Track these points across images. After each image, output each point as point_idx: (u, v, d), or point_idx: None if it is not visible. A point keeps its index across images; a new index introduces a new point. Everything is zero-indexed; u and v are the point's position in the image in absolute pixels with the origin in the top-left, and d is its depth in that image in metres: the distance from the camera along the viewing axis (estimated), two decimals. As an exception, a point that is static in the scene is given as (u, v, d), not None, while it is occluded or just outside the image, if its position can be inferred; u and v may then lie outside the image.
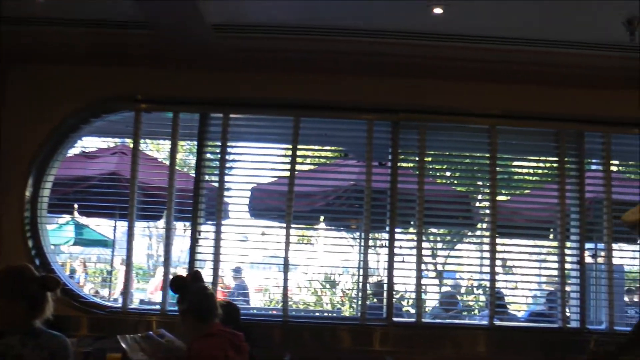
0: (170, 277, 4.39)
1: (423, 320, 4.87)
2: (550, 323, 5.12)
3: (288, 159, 4.96)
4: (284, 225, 4.86)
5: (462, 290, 5.55)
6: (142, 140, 5.33)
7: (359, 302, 4.82)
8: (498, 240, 5.14)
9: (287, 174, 4.93)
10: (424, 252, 5.06)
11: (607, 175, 5.10)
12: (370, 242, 5.07)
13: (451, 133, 5.11)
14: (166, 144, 5.61)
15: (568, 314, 4.99)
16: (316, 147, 5.71)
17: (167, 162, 5.09)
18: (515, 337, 4.90)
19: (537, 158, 5.38)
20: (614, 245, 5.12)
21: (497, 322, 4.90)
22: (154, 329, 4.02)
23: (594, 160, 5.31)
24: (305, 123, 5.00)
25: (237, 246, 5.08)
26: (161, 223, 5.15)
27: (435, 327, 4.98)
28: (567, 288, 5.04)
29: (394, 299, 5.20)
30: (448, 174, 5.63)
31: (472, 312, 5.24)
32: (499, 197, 5.29)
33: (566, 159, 5.06)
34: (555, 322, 5.04)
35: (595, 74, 4.84)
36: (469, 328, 5.02)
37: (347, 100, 4.90)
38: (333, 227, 5.86)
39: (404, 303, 5.88)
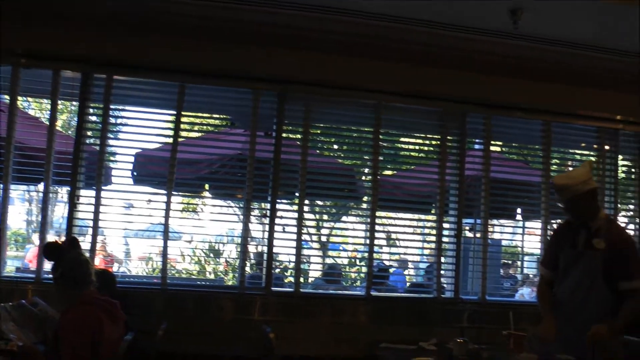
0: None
1: (302, 290, 5.13)
2: (427, 293, 5.52)
3: (173, 125, 5.02)
4: (168, 192, 4.92)
5: (346, 262, 5.84)
6: (22, 99, 5.21)
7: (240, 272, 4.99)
8: (382, 214, 5.48)
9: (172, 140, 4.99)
10: (308, 223, 5.29)
11: (487, 154, 5.52)
12: (258, 212, 5.26)
13: (337, 107, 5.32)
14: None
15: (444, 285, 5.39)
16: (204, 115, 5.78)
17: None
18: (392, 306, 5.23)
19: (424, 135, 5.69)
20: (495, 221, 5.54)
21: (375, 293, 5.24)
22: (29, 298, 4.02)
23: (477, 140, 5.72)
24: (191, 90, 5.07)
25: (120, 212, 5.07)
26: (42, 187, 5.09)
27: (313, 296, 5.24)
28: (444, 260, 5.44)
29: (276, 270, 5.42)
30: (336, 147, 5.85)
31: (354, 284, 5.54)
32: (385, 172, 5.62)
33: (448, 138, 5.44)
34: (431, 292, 5.45)
35: (482, 58, 5.22)
36: (347, 298, 5.31)
37: (234, 69, 5.00)
38: (218, 196, 5.97)
39: (287, 274, 6.13)
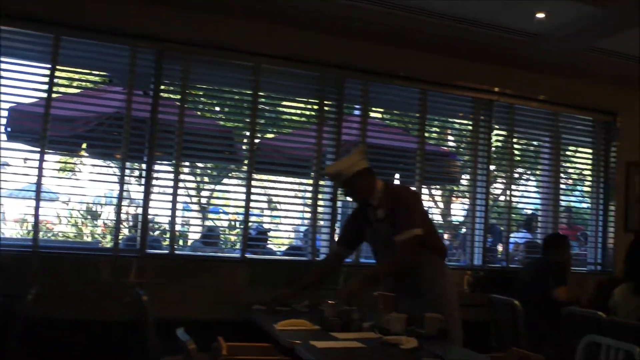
0: None
1: (177, 252, 5.18)
2: (303, 256, 5.69)
3: (47, 80, 4.89)
4: (42, 150, 4.80)
5: (226, 224, 5.92)
6: None
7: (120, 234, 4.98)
8: (263, 177, 5.59)
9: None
10: (188, 185, 5.35)
11: (364, 120, 5.71)
12: (137, 174, 5.25)
13: (216, 68, 5.34)
14: None
15: (319, 248, 5.56)
16: (82, 71, 5.69)
17: None
18: (269, 269, 5.38)
19: (305, 100, 5.78)
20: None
21: (250, 255, 5.36)
22: None
23: (357, 107, 5.90)
24: (67, 43, 4.94)
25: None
26: None
27: (188, 259, 5.29)
28: (323, 224, 5.63)
29: (156, 232, 5.45)
30: (217, 109, 5.89)
31: (234, 247, 5.63)
32: (265, 135, 5.72)
33: (326, 103, 5.59)
34: (306, 255, 5.63)
35: (361, 26, 5.36)
36: (223, 260, 5.39)
37: (111, 24, 4.93)
38: (96, 156, 5.89)
39: (166, 236, 6.12)
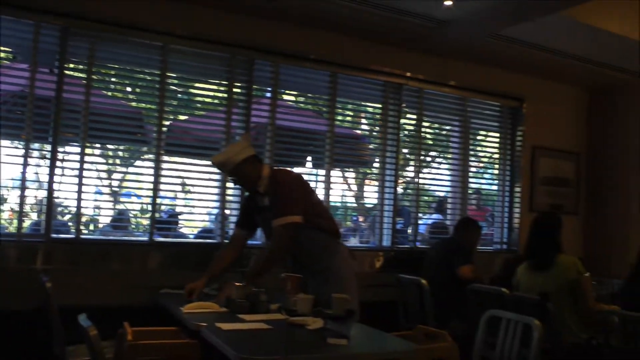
0: None
1: (82, 237, 5.06)
2: (212, 239, 5.67)
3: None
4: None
5: (138, 208, 5.82)
6: None
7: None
8: (177, 160, 5.53)
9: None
10: (99, 168, 5.23)
11: (274, 102, 5.72)
12: (42, 155, 5.08)
13: (124, 46, 5.20)
14: None
15: (229, 231, 5.52)
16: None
17: None
18: (178, 252, 5.31)
19: (216, 82, 5.72)
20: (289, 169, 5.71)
21: (159, 239, 5.31)
22: None
23: (268, 89, 5.88)
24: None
25: None
26: None
27: (95, 243, 5.18)
28: (234, 206, 5.62)
29: (65, 216, 5.30)
30: (129, 89, 5.76)
31: (144, 230, 5.54)
32: (175, 117, 5.64)
33: (236, 84, 5.56)
34: (215, 237, 5.62)
35: (271, 7, 5.34)
36: (130, 244, 5.28)
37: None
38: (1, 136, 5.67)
39: (75, 220, 5.97)
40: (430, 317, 5.29)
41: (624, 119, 7.57)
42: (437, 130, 7.37)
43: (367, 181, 7.81)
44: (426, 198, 7.18)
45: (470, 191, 7.28)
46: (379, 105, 6.48)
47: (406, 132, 6.71)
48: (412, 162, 6.78)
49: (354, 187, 8.57)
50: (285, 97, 6.37)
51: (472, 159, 7.29)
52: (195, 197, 5.85)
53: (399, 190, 6.71)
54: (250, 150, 4.33)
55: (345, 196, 7.46)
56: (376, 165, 6.53)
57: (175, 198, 6.20)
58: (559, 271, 4.79)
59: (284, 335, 3.44)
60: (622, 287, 4.88)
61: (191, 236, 5.96)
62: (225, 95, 5.60)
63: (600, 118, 7.88)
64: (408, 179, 6.78)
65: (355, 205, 7.62)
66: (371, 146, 6.59)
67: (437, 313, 5.35)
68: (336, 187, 7.04)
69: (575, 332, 4.72)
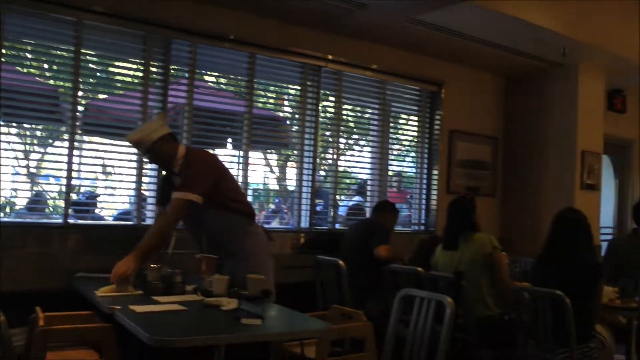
0: None
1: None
2: (129, 221, 5.60)
3: None
4: None
5: (56, 189, 5.66)
6: None
7: None
8: (95, 140, 5.41)
9: None
10: (17, 148, 5.06)
11: (191, 83, 5.66)
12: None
13: (36, 20, 4.96)
14: None
15: (146, 212, 5.52)
16: None
17: None
18: (93, 234, 5.19)
19: (132, 60, 5.60)
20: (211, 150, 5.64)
21: (73, 221, 5.19)
22: None
23: (186, 69, 5.80)
24: None
25: None
26: None
27: (9, 225, 4.93)
28: (152, 187, 5.55)
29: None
30: (46, 66, 5.57)
31: (61, 213, 5.40)
32: (93, 95, 5.51)
33: (153, 64, 5.47)
34: (131, 219, 5.55)
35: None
36: (44, 227, 5.11)
37: None
38: None
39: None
40: (348, 298, 5.36)
41: (539, 104, 7.83)
42: (358, 114, 7.43)
43: (289, 164, 7.82)
44: (347, 181, 7.26)
45: (390, 174, 7.39)
46: (298, 88, 6.48)
47: (327, 115, 6.74)
48: (332, 145, 6.81)
49: (276, 170, 8.58)
50: (207, 77, 6.30)
51: (393, 142, 7.40)
52: (116, 179, 5.74)
53: (321, 173, 6.77)
54: (166, 129, 4.30)
55: (268, 178, 7.46)
56: (296, 147, 6.55)
57: (95, 180, 6.06)
58: (475, 248, 4.98)
59: (198, 316, 3.46)
60: (533, 265, 5.07)
61: (110, 218, 5.87)
62: (141, 74, 5.49)
63: (517, 103, 8.13)
64: (330, 161, 6.82)
65: (277, 187, 7.63)
66: (294, 128, 6.60)
67: (354, 294, 5.42)
68: (258, 170, 7.03)
69: (490, 307, 4.89)
